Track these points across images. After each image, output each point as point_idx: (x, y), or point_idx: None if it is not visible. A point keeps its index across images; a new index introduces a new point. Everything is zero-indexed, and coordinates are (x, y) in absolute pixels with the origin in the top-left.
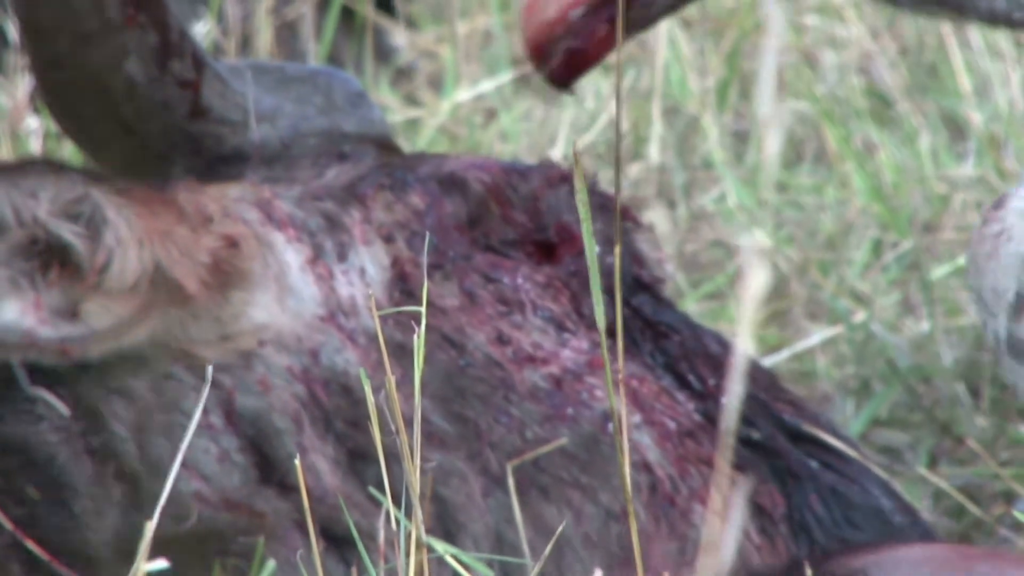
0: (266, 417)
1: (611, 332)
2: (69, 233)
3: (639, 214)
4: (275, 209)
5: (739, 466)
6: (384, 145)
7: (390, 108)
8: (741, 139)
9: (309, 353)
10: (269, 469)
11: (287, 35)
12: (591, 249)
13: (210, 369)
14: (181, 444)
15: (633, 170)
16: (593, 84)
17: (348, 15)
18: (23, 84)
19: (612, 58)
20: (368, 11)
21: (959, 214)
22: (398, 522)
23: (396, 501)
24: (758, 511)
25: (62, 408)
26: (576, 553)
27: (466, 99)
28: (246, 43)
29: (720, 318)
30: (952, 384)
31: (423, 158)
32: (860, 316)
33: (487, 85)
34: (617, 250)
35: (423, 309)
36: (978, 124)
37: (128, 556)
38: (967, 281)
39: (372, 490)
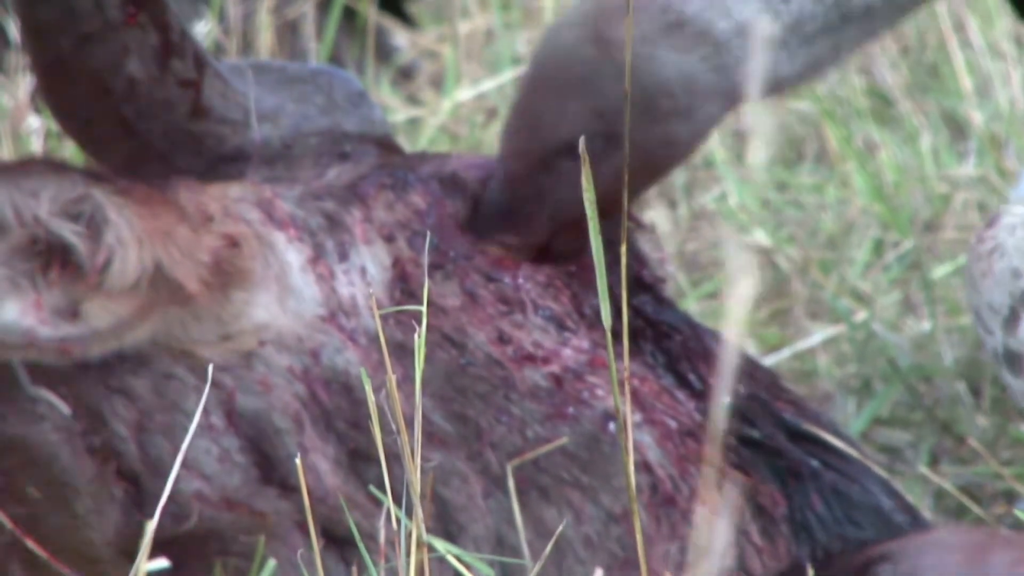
0: (267, 417)
1: (612, 331)
2: (70, 233)
3: (640, 214)
4: (276, 209)
5: (739, 466)
6: (385, 145)
7: (391, 107)
8: (741, 139)
9: (310, 353)
10: (270, 469)
11: (288, 35)
12: (598, 248)
13: (211, 368)
14: (182, 444)
15: None
16: None
17: (349, 15)
18: (24, 84)
19: None
20: (371, 11)
21: (960, 213)
22: (399, 521)
23: (397, 501)
24: (759, 511)
25: (63, 408)
26: (576, 554)
27: (467, 98)
28: (247, 43)
29: (721, 317)
30: (953, 383)
31: (424, 158)
32: (861, 315)
33: (488, 84)
34: (623, 249)
35: (424, 309)
36: (979, 124)
37: (129, 556)
38: (966, 300)
39: (373, 489)
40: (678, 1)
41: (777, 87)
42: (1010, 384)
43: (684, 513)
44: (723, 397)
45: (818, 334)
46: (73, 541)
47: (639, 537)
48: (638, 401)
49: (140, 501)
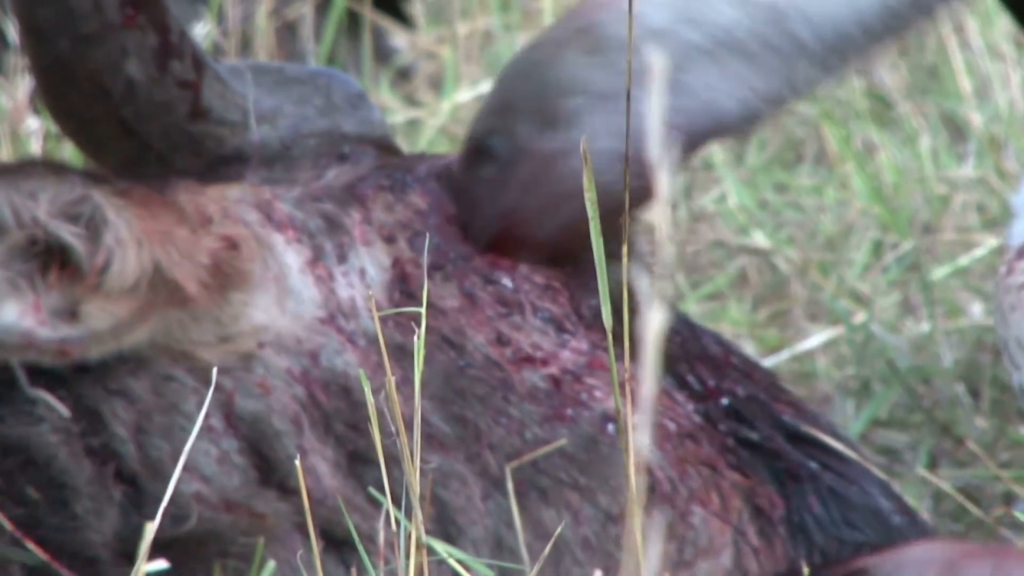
0: (266, 419)
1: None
2: (69, 234)
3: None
4: (275, 210)
5: (738, 467)
6: (384, 146)
7: (390, 109)
8: (741, 140)
9: (309, 355)
10: (269, 471)
11: (287, 36)
12: (599, 249)
13: (215, 372)
14: (182, 446)
15: None
16: None
17: (348, 16)
18: (23, 85)
19: None
20: (369, 12)
21: (959, 215)
22: (398, 523)
23: (396, 503)
24: (757, 513)
25: (62, 409)
26: (574, 556)
27: (466, 100)
28: (246, 44)
29: (720, 319)
30: (952, 385)
31: (423, 159)
32: (860, 317)
33: (487, 86)
34: (624, 250)
35: (423, 310)
36: (978, 125)
37: (128, 557)
38: (996, 332)
39: (372, 491)
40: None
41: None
42: None
43: (682, 515)
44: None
45: (817, 335)
46: (72, 542)
47: (639, 537)
48: (637, 403)
49: (139, 503)
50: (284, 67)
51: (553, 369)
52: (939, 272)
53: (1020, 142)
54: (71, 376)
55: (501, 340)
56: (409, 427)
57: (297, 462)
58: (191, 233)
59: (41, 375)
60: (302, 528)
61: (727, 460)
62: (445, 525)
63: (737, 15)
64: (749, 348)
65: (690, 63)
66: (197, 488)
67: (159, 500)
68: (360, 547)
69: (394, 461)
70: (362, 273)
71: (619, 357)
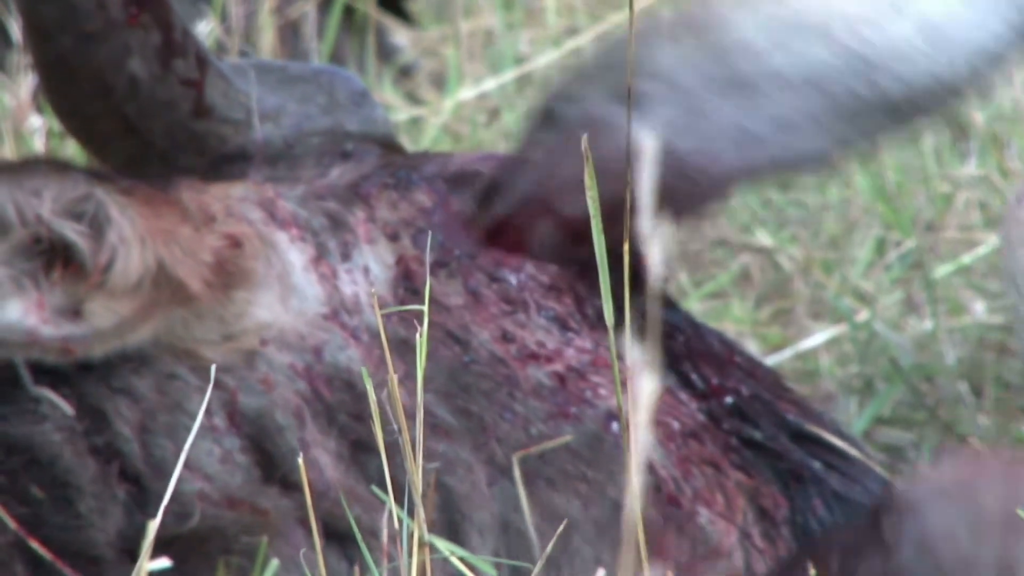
0: (268, 414)
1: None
2: (72, 232)
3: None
4: (278, 208)
5: (741, 467)
6: (387, 144)
7: (393, 107)
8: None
9: (312, 351)
10: (272, 467)
11: (290, 34)
12: (600, 246)
13: (214, 370)
14: (184, 445)
15: None
16: None
17: (351, 14)
18: (27, 83)
19: None
20: (372, 10)
21: (962, 213)
22: (401, 521)
23: (399, 497)
24: (761, 514)
25: (66, 408)
26: (585, 537)
27: (469, 98)
28: (249, 42)
29: (723, 317)
30: (955, 383)
31: (426, 157)
32: (863, 315)
33: (490, 84)
34: (625, 248)
35: (426, 307)
36: (981, 124)
37: (131, 555)
38: (1000, 261)
39: (375, 489)
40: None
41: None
42: None
43: (688, 515)
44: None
45: (820, 334)
46: (76, 541)
47: (641, 536)
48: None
49: (143, 501)
50: (287, 65)
51: (558, 366)
52: (942, 270)
53: (1023, 140)
54: (75, 374)
55: (506, 337)
56: (412, 421)
57: (300, 458)
58: (194, 231)
59: (45, 373)
60: (305, 524)
61: (731, 459)
62: (451, 512)
63: (828, 56)
64: (752, 346)
65: (772, 90)
66: (200, 486)
67: (163, 499)
68: (362, 544)
69: (397, 452)
70: (366, 271)
71: (622, 355)
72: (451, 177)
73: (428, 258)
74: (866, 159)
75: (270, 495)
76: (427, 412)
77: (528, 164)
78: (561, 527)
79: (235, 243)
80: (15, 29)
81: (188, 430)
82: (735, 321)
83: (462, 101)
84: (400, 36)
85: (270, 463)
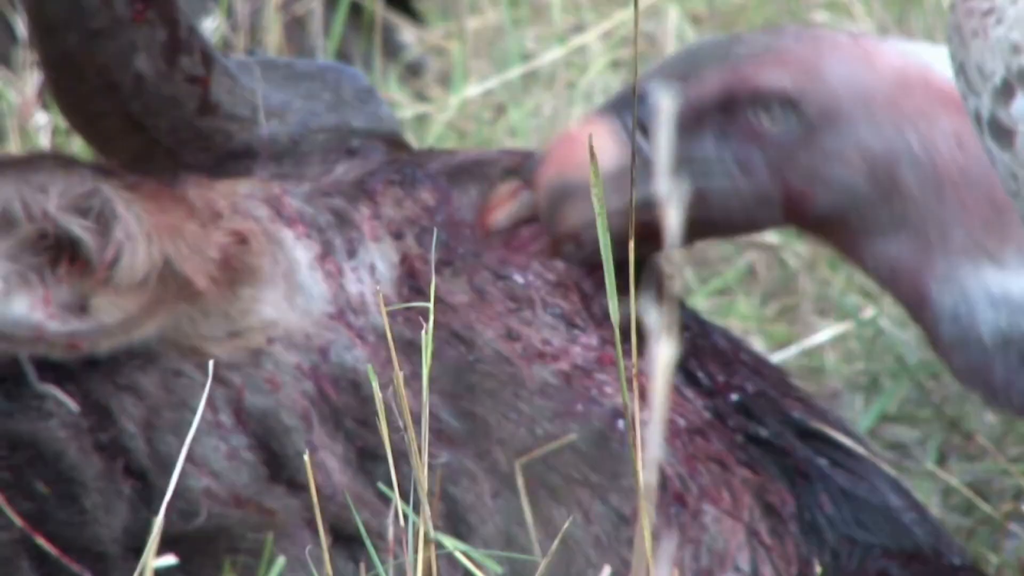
0: (275, 415)
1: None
2: (78, 228)
3: None
4: (284, 205)
5: (748, 464)
6: (393, 141)
7: (399, 104)
8: None
9: (318, 351)
10: (278, 467)
11: (296, 31)
12: (606, 243)
13: (212, 364)
14: (186, 441)
15: None
16: (603, 81)
17: (357, 11)
18: (32, 80)
19: (625, 53)
20: (378, 7)
21: None
22: (407, 519)
23: (405, 498)
24: (768, 510)
25: (71, 404)
26: (586, 555)
27: (475, 95)
28: (255, 39)
29: (729, 314)
30: None
31: (432, 154)
32: (869, 312)
33: (496, 81)
34: (631, 245)
35: (431, 305)
36: None
37: (137, 552)
38: (948, 49)
39: (381, 486)
40: None
41: None
42: (993, 154)
43: (694, 513)
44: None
45: (826, 331)
46: (81, 537)
47: (647, 535)
48: (646, 399)
49: (148, 498)
50: (293, 62)
51: (563, 365)
52: None
53: None
54: (80, 371)
55: (511, 336)
56: (418, 422)
57: (306, 458)
58: (200, 228)
59: (50, 370)
60: (311, 524)
61: (737, 456)
62: (455, 522)
63: None
64: (758, 343)
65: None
66: (206, 484)
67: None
68: (368, 542)
69: (403, 457)
70: (371, 269)
71: (627, 353)
72: (456, 174)
73: (433, 257)
74: None
75: (277, 495)
76: (432, 416)
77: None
78: (558, 538)
79: (241, 240)
80: (21, 26)
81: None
82: (741, 318)
83: (468, 98)
84: (406, 33)
85: (277, 463)
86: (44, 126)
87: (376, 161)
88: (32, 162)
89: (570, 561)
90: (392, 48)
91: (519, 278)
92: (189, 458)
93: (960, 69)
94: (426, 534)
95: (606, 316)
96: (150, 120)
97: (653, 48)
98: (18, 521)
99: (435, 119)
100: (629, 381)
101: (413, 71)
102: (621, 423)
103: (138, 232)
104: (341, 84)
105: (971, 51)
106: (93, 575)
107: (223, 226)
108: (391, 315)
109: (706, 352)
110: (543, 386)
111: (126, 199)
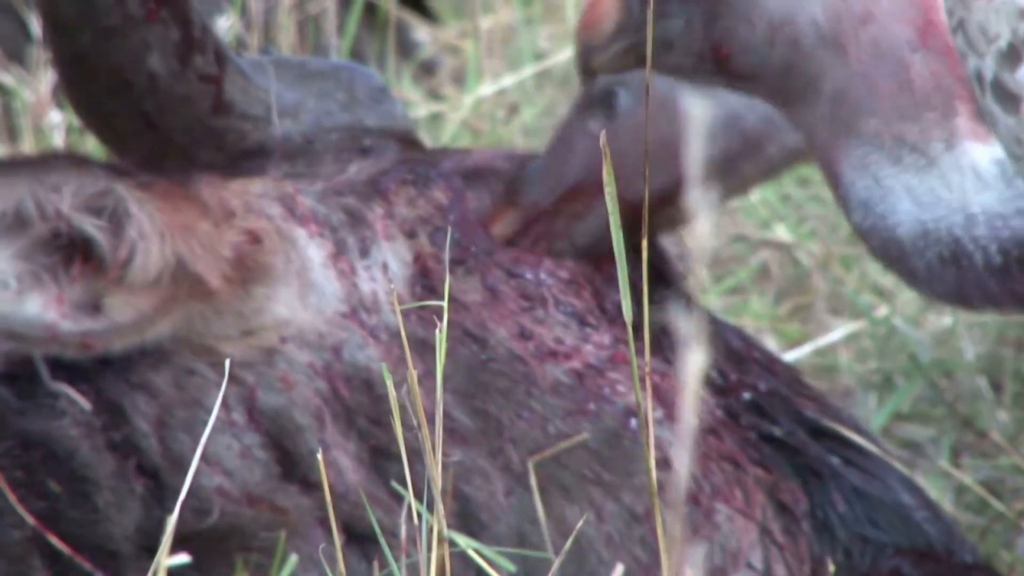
0: (288, 414)
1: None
2: (92, 227)
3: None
4: (297, 204)
5: (760, 462)
6: (406, 140)
7: (412, 103)
8: None
9: (331, 349)
10: (291, 465)
11: (310, 30)
12: (619, 242)
13: (228, 363)
14: (201, 440)
15: None
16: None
17: (371, 10)
18: (46, 79)
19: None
20: (392, 6)
21: None
22: (420, 517)
23: (418, 497)
24: (780, 509)
25: (83, 403)
26: (598, 554)
27: (488, 94)
28: (269, 38)
29: (742, 313)
30: (974, 378)
31: (445, 153)
32: (882, 311)
33: (509, 80)
34: (644, 243)
35: (445, 304)
36: None
37: (150, 551)
38: (944, 3)
39: (394, 484)
40: None
41: None
42: (996, 116)
43: (707, 513)
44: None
45: (839, 330)
46: (94, 536)
47: (660, 533)
48: (659, 397)
49: (161, 496)
50: (306, 61)
51: (576, 363)
52: None
53: None
54: (93, 370)
55: (524, 334)
56: (431, 421)
57: (319, 456)
58: (214, 227)
59: (63, 369)
60: (324, 522)
61: (749, 455)
62: (468, 521)
63: None
64: (771, 342)
65: None
66: (219, 482)
67: (181, 494)
68: (383, 541)
69: (416, 455)
70: (384, 267)
71: (640, 351)
72: (469, 173)
73: (448, 255)
74: None
75: (290, 493)
76: (445, 415)
77: (578, 149)
78: (572, 536)
79: (254, 239)
80: (35, 25)
81: (206, 425)
82: (754, 317)
83: (482, 97)
84: (420, 32)
85: (290, 461)
86: (58, 125)
87: (389, 160)
88: (46, 161)
89: (582, 559)
90: (406, 47)
91: (532, 276)
92: (202, 456)
93: (959, 25)
94: (439, 532)
95: (619, 312)
96: (163, 119)
97: None
98: (30, 520)
99: (449, 118)
100: (642, 380)
101: (427, 70)
102: (634, 422)
103: (151, 231)
104: (354, 83)
105: (973, 10)
106: (105, 573)
107: (236, 225)
108: (404, 314)
109: (719, 351)
110: (556, 385)
111: (139, 198)
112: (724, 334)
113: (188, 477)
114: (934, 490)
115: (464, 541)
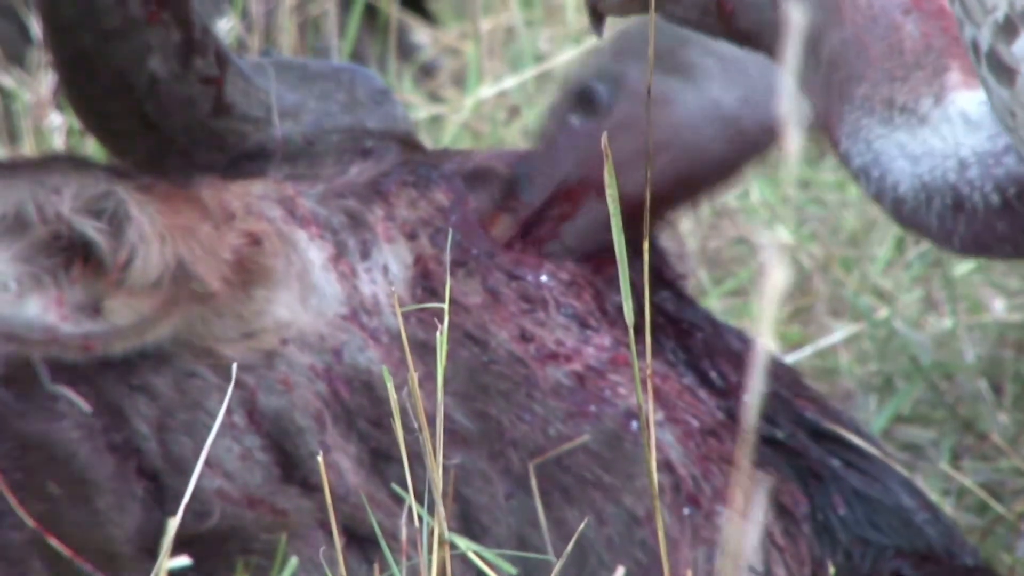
0: (288, 416)
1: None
2: (92, 229)
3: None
4: (298, 206)
5: (760, 465)
6: (407, 142)
7: (413, 105)
8: None
9: (332, 352)
10: (291, 467)
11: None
12: (620, 245)
13: (235, 367)
14: (204, 443)
15: None
16: None
17: (372, 12)
18: (47, 81)
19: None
20: (393, 8)
21: None
22: (420, 519)
23: (419, 499)
24: (781, 511)
25: (84, 405)
26: (599, 557)
27: (489, 96)
28: (270, 40)
29: (743, 315)
30: (974, 380)
31: (446, 155)
32: (883, 313)
33: (510, 82)
34: (645, 246)
35: (446, 306)
36: None
37: (150, 553)
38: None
39: (395, 487)
40: None
41: None
42: (991, 87)
43: (708, 515)
44: (755, 396)
45: (840, 332)
46: (94, 538)
47: (661, 535)
48: (660, 399)
49: (161, 498)
50: (307, 63)
51: (577, 365)
52: (961, 268)
53: None
54: (93, 372)
55: (525, 336)
56: (432, 423)
57: (320, 458)
58: (214, 229)
59: (63, 371)
60: (324, 525)
61: (751, 458)
62: (469, 523)
63: None
64: (772, 344)
65: None
66: (220, 484)
67: (181, 496)
68: (383, 543)
69: (417, 457)
70: (385, 269)
71: (641, 354)
72: (469, 175)
73: (448, 258)
74: None
75: (290, 495)
76: (445, 417)
77: (563, 148)
78: (573, 539)
79: (255, 241)
80: (35, 27)
81: (206, 428)
82: (754, 319)
83: (482, 99)
84: (420, 34)
85: (290, 464)
86: (58, 127)
87: (390, 162)
88: (46, 163)
89: (583, 562)
90: (406, 49)
91: (532, 278)
92: None
93: None
94: (440, 535)
95: (619, 314)
96: (164, 121)
97: None
98: (30, 522)
99: (449, 120)
100: (643, 382)
101: (427, 72)
102: (634, 424)
103: (151, 233)
104: (355, 85)
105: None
106: (105, 575)
107: (237, 227)
108: (405, 316)
109: (719, 353)
110: (556, 387)
111: (140, 200)
112: (724, 336)
113: (192, 480)
114: (934, 492)
115: (465, 544)
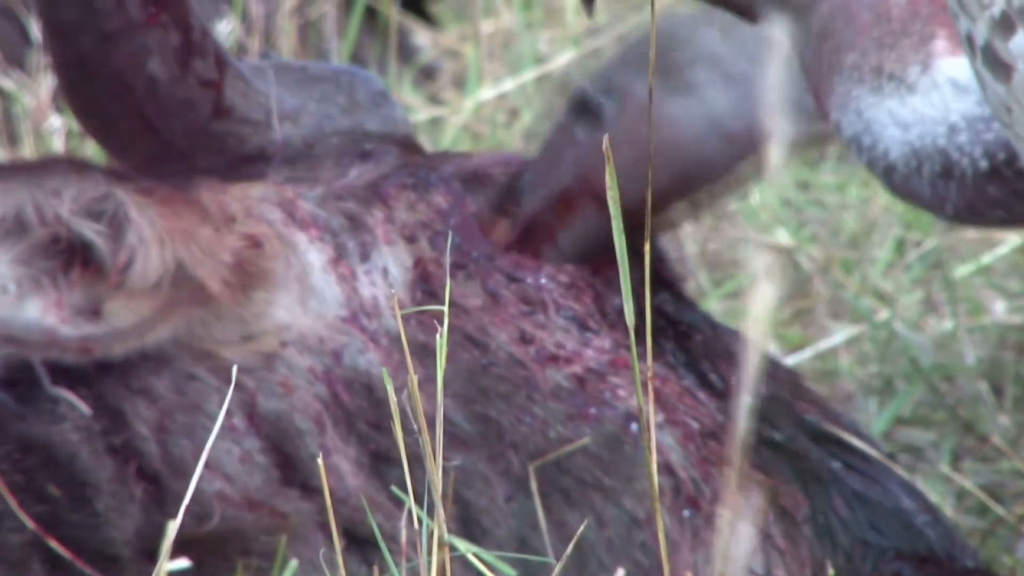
0: (288, 418)
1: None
2: (91, 232)
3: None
4: (298, 209)
5: (761, 467)
6: (407, 144)
7: (413, 107)
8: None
9: (331, 354)
10: (291, 470)
11: (310, 34)
12: (621, 246)
13: (235, 370)
14: (204, 445)
15: None
16: None
17: (371, 14)
18: (46, 83)
19: None
20: (392, 11)
21: None
22: (420, 521)
23: (418, 502)
24: (781, 513)
25: (83, 408)
26: (599, 559)
27: (489, 98)
28: (269, 42)
29: (742, 317)
30: (975, 382)
31: (446, 157)
32: (883, 315)
33: (510, 84)
34: (646, 248)
35: (446, 308)
36: None
37: (150, 555)
38: None
39: (395, 489)
40: None
41: None
42: (986, 82)
43: (708, 517)
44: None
45: (840, 334)
46: (94, 540)
47: (662, 537)
48: (660, 402)
49: (161, 501)
50: (307, 65)
51: (577, 368)
52: (962, 270)
53: None
54: (93, 374)
55: (524, 339)
56: (431, 426)
57: (320, 461)
58: (214, 231)
59: (63, 373)
60: (324, 527)
61: (750, 460)
62: (469, 526)
63: None
64: (772, 346)
65: None
66: (219, 487)
67: (181, 498)
68: (383, 545)
69: (417, 460)
70: (384, 272)
71: (641, 356)
72: (469, 177)
73: (448, 260)
74: None
75: (290, 498)
76: (445, 419)
77: (563, 157)
78: (573, 542)
79: (254, 243)
80: (35, 29)
81: (206, 430)
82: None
83: (482, 101)
84: (420, 36)
85: (290, 466)
86: (58, 129)
87: (390, 164)
88: (45, 166)
89: (583, 564)
90: (406, 51)
91: (532, 281)
92: None
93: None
94: (440, 537)
95: (619, 317)
96: (163, 124)
97: None
98: (30, 524)
99: (449, 122)
100: (643, 384)
101: (427, 74)
102: (635, 426)
103: (151, 236)
104: (355, 87)
105: None
106: None
107: (236, 230)
108: (404, 319)
109: (719, 355)
110: (556, 389)
111: (139, 203)
112: (724, 338)
113: (192, 482)
114: (935, 494)
115: (464, 546)
